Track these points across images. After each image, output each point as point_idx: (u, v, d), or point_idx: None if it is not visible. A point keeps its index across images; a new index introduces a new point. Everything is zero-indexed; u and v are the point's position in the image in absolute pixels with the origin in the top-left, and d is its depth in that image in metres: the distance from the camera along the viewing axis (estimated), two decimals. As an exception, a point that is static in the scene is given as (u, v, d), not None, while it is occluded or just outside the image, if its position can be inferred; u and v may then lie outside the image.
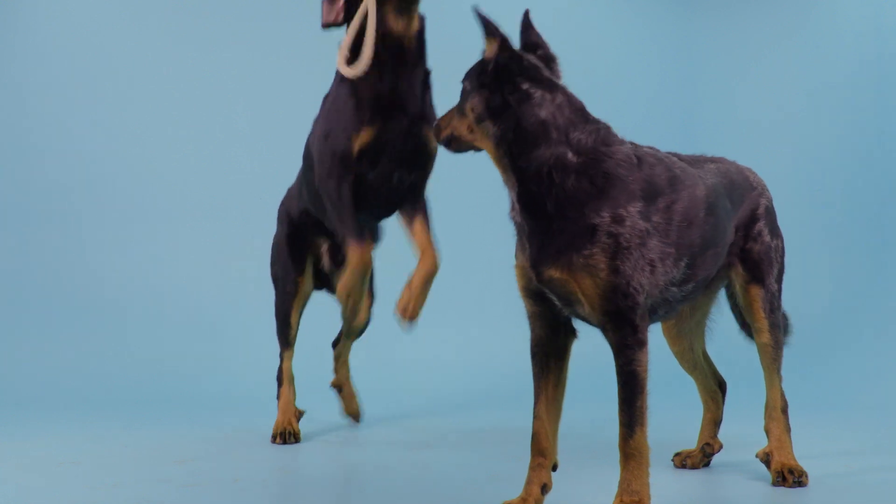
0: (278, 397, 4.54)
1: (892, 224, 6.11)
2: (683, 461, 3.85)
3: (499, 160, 3.08)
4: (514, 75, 3.05)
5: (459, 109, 3.15)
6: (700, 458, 3.84)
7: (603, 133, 3.09)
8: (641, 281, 3.00)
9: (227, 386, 5.68)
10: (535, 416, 3.16)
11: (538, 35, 3.27)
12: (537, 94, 3.06)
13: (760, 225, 3.58)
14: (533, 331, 3.18)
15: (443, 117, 3.25)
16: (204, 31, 6.55)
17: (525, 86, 3.05)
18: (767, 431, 3.60)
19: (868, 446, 4.26)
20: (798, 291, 5.37)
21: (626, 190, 3.02)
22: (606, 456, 3.49)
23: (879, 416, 4.94)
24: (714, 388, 3.90)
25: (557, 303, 3.08)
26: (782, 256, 3.66)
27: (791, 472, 3.51)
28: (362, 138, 3.93)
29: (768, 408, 3.60)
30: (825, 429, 4.61)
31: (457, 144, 3.20)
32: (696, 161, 3.44)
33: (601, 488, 3.30)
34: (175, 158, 6.47)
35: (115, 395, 5.55)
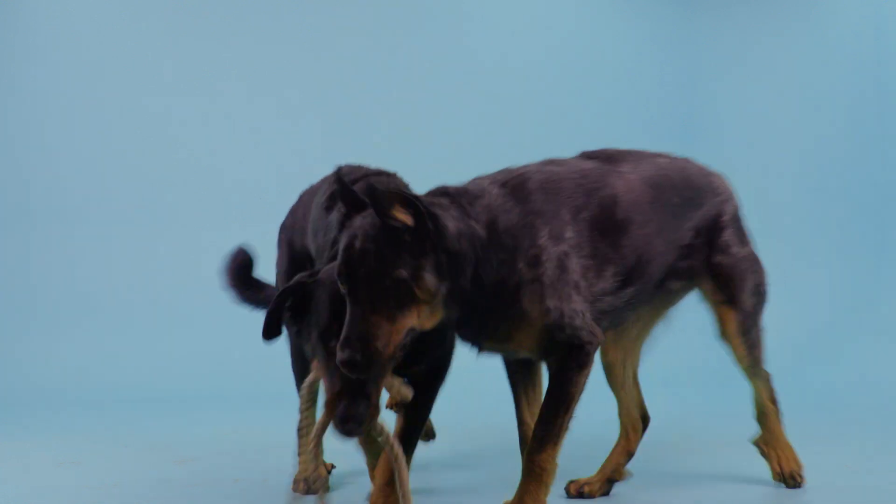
0: None
1: (892, 224, 6.11)
2: (580, 489, 3.45)
3: (447, 308, 2.74)
4: (435, 222, 2.72)
5: (402, 308, 2.63)
6: (601, 486, 3.47)
7: (472, 196, 2.86)
8: (573, 307, 2.88)
9: (228, 386, 5.68)
10: (521, 423, 3.17)
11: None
12: (445, 214, 2.77)
13: (727, 234, 3.37)
14: None
15: (368, 345, 2.57)
16: (204, 29, 6.55)
17: (438, 220, 2.73)
18: (761, 423, 3.58)
19: (868, 447, 4.26)
20: (799, 293, 5.39)
21: (523, 229, 2.85)
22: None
23: (878, 417, 4.94)
24: (637, 417, 3.58)
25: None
26: (756, 262, 3.46)
27: (792, 476, 3.53)
28: None
29: (758, 404, 3.57)
30: (825, 430, 4.61)
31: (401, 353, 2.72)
32: (635, 156, 3.23)
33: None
34: (176, 158, 6.47)
35: (115, 395, 5.55)
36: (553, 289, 2.85)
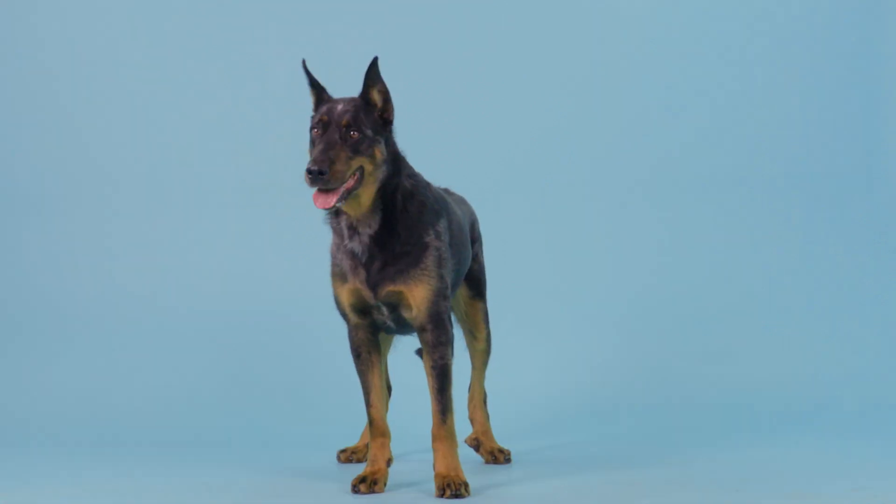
0: None
1: None
2: (349, 457, 4.26)
3: (373, 201, 3.52)
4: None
5: (361, 153, 3.44)
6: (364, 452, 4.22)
7: (406, 160, 3.65)
8: (450, 285, 3.63)
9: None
10: (372, 406, 3.69)
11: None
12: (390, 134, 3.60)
13: (477, 247, 4.18)
14: (356, 338, 3.70)
15: (338, 159, 3.38)
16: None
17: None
18: (473, 420, 4.25)
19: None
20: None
21: (433, 210, 3.62)
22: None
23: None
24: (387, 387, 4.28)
25: (385, 312, 3.60)
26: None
27: (500, 451, 4.18)
28: None
29: (474, 399, 4.25)
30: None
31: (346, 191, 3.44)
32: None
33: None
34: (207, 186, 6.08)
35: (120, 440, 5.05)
36: (447, 262, 3.62)
